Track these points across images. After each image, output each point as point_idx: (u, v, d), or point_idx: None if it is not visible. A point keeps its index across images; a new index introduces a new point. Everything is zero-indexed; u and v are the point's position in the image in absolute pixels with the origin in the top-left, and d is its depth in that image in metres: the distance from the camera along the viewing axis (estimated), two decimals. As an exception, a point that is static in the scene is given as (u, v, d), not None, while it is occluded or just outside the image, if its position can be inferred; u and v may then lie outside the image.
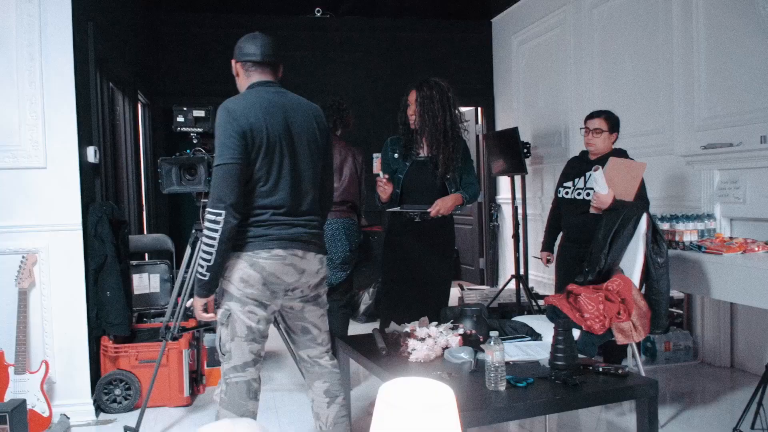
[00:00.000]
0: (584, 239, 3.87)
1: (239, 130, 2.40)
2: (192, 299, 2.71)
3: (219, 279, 2.46)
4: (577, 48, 5.96)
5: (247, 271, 2.44)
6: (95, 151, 4.24)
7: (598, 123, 4.03)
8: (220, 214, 2.37)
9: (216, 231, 2.38)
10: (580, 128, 4.12)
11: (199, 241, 3.34)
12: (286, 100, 2.53)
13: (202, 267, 2.40)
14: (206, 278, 2.43)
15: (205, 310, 2.50)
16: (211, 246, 2.39)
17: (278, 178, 2.49)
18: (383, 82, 7.42)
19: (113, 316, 4.04)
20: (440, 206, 3.49)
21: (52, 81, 3.81)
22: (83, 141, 4.04)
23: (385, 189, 3.42)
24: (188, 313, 4.05)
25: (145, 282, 4.85)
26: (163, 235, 5.30)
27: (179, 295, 3.80)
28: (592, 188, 3.79)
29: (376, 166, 3.53)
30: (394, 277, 3.61)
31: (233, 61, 2.58)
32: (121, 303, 4.02)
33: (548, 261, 4.35)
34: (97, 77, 4.41)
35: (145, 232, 6.22)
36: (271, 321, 2.56)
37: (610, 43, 5.48)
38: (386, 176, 3.41)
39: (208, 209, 2.37)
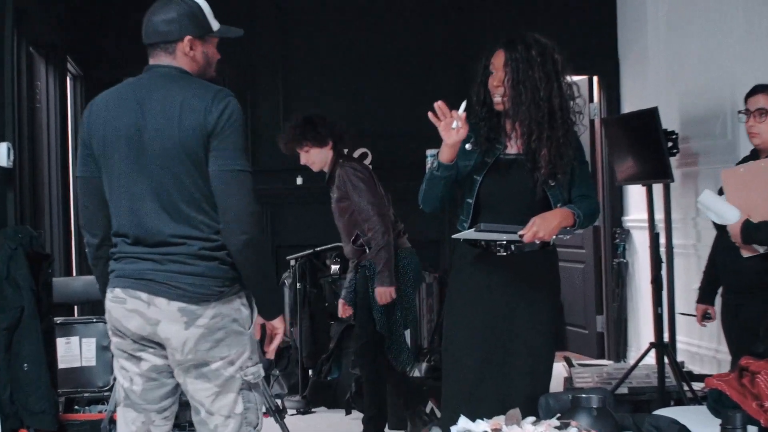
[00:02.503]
0: (744, 287, 3.83)
1: (83, 137, 2.73)
2: None
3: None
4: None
5: (107, 316, 2.73)
6: (9, 150, 4.21)
7: (763, 101, 3.92)
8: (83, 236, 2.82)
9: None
10: (739, 111, 4.06)
11: None
12: (152, 90, 2.66)
13: None
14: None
15: None
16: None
17: (120, 195, 2.66)
18: (438, 39, 7.02)
19: (34, 400, 3.90)
20: (539, 227, 3.28)
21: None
22: (-9, 134, 4.12)
23: (455, 131, 3.20)
24: None
25: (75, 350, 4.58)
26: None
27: None
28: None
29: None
30: (462, 345, 3.45)
31: None
32: (44, 381, 3.93)
33: (706, 317, 4.34)
34: (13, 39, 4.36)
35: (75, 272, 5.99)
36: (158, 380, 2.68)
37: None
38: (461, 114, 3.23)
39: None
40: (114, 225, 2.69)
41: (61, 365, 4.36)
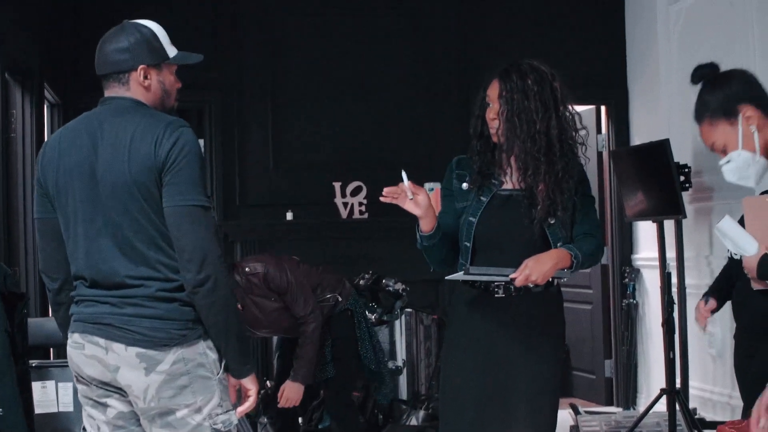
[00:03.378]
0: (759, 329, 3.78)
1: (38, 178, 2.73)
2: None
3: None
4: (763, 8, 5.60)
5: (69, 362, 2.73)
6: None
7: None
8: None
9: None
10: None
11: None
12: (103, 124, 2.63)
13: None
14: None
15: None
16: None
17: (76, 236, 2.65)
18: (439, 66, 6.93)
19: None
20: (531, 269, 3.22)
21: None
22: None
23: (413, 201, 3.18)
24: None
25: (51, 395, 4.52)
26: None
27: None
28: None
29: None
30: (458, 393, 3.39)
31: None
32: (21, 427, 3.84)
33: (708, 311, 4.33)
34: None
35: (51, 313, 5.73)
36: (125, 428, 2.67)
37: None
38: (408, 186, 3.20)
39: None
40: (72, 268, 2.67)
41: (37, 410, 4.28)
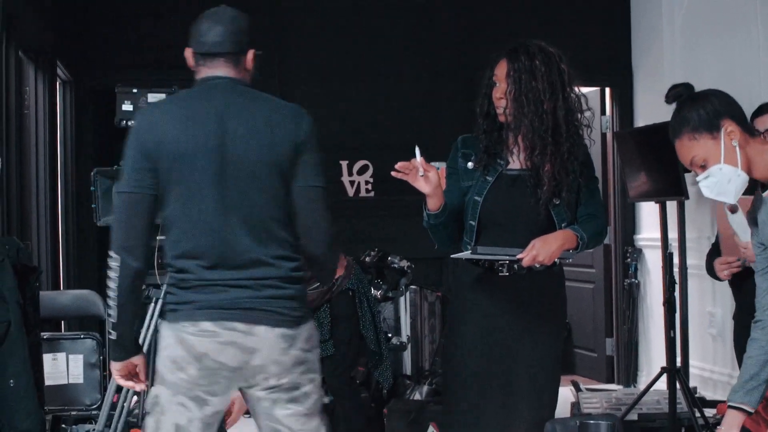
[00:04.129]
0: None
1: (142, 149, 2.58)
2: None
3: (133, 338, 2.72)
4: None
5: (175, 349, 2.58)
6: None
7: None
8: (116, 260, 2.58)
9: (113, 281, 2.59)
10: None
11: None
12: (229, 102, 2.62)
13: (109, 324, 2.64)
14: (113, 337, 2.65)
15: (130, 377, 2.76)
16: (113, 299, 2.59)
17: (198, 212, 2.57)
18: (445, 48, 6.90)
19: (20, 418, 3.79)
20: (538, 250, 3.22)
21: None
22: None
23: (424, 178, 3.16)
24: (132, 420, 3.88)
25: (62, 366, 4.51)
26: (91, 292, 4.94)
27: (118, 391, 3.63)
28: None
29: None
30: (461, 369, 3.39)
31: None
32: (31, 398, 3.79)
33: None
34: (2, 43, 4.35)
35: (62, 285, 5.94)
36: (212, 427, 2.65)
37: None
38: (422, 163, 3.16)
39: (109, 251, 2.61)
40: (180, 246, 2.58)
41: (47, 382, 4.28)
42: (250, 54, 2.69)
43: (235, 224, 2.55)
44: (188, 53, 2.70)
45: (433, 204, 3.20)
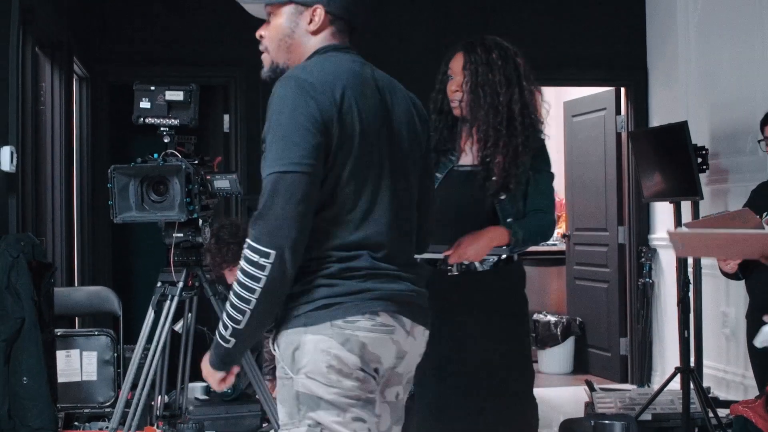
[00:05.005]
0: None
1: (317, 118, 2.07)
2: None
3: (245, 352, 2.38)
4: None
5: (340, 353, 2.09)
6: (12, 154, 4.11)
7: None
8: (267, 255, 2.03)
9: (257, 281, 2.05)
10: (759, 140, 4.24)
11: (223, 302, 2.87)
12: (378, 77, 2.29)
13: (225, 329, 2.13)
14: (229, 346, 2.15)
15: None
16: (247, 301, 2.07)
17: (374, 199, 2.17)
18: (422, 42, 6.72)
19: (33, 416, 3.78)
20: (465, 248, 3.15)
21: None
22: (-6, 136, 4.04)
23: None
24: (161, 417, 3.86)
25: (75, 363, 4.50)
26: (105, 289, 4.99)
27: (133, 388, 3.61)
28: None
29: None
30: (428, 372, 3.21)
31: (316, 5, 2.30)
32: (44, 395, 3.79)
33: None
34: (19, 38, 4.28)
35: (77, 282, 5.88)
36: None
37: None
38: None
39: (248, 243, 2.05)
40: (353, 235, 2.16)
41: (60, 379, 4.29)
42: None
43: (406, 216, 2.28)
44: (319, 10, 2.30)
45: None
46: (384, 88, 2.26)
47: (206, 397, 4.60)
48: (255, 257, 2.03)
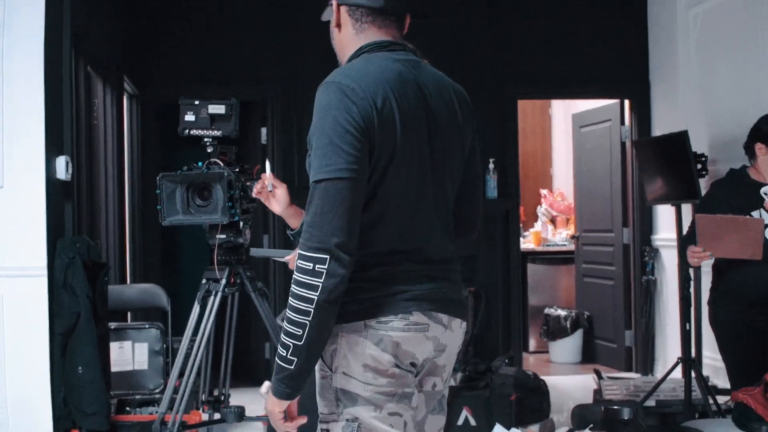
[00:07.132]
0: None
1: (359, 123, 1.96)
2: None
3: (308, 374, 2.02)
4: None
5: (374, 352, 2.00)
6: (67, 163, 4.09)
7: None
8: (323, 261, 1.91)
9: (314, 289, 1.91)
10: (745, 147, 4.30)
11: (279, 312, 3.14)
12: (422, 75, 2.12)
13: (286, 350, 1.96)
14: (292, 369, 1.98)
15: (286, 417, 2.08)
16: (304, 314, 1.93)
17: (414, 201, 2.06)
18: (467, 68, 6.66)
19: (87, 402, 3.86)
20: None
21: (14, 62, 3.71)
22: (52, 148, 3.93)
23: (272, 193, 2.47)
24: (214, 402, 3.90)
25: (128, 354, 4.57)
26: (155, 286, 5.02)
27: (180, 375, 3.63)
28: None
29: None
30: None
31: (334, 3, 2.18)
32: (98, 384, 3.87)
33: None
34: (71, 59, 4.30)
35: (129, 280, 6.00)
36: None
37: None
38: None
39: (301, 253, 1.93)
40: (392, 237, 2.06)
41: (114, 369, 4.35)
42: (408, 19, 2.24)
43: (440, 221, 2.15)
44: (341, 9, 2.18)
45: (294, 223, 2.43)
46: (426, 87, 2.11)
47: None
48: (309, 265, 1.91)
